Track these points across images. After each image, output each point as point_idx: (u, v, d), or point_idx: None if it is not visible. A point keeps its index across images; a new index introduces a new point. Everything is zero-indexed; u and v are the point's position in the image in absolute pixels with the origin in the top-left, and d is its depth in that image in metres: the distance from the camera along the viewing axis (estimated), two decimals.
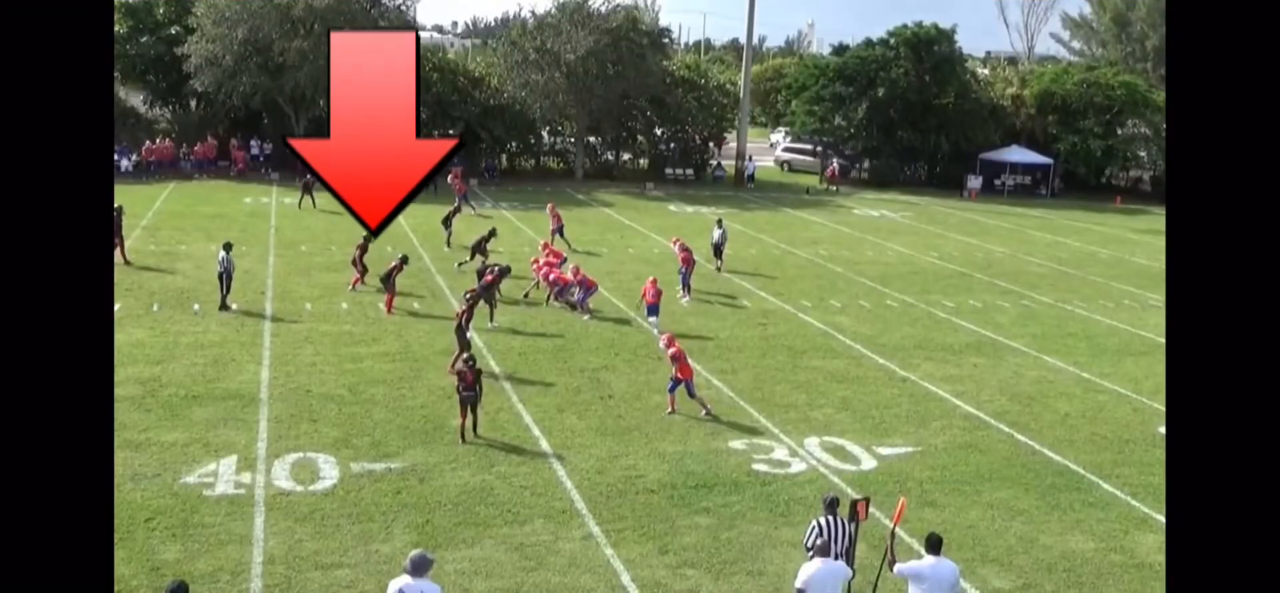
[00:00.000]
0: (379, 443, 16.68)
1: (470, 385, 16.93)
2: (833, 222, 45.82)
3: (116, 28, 51.35)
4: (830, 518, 11.56)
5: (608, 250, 35.00)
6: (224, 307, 24.30)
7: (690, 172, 59.70)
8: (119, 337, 21.04)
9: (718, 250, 32.85)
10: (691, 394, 18.67)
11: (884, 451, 17.59)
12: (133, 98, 55.18)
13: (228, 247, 25.22)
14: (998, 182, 59.36)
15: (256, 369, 20.14)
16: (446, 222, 34.12)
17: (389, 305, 24.93)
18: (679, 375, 18.70)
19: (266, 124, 54.09)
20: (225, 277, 24.62)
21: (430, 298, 26.67)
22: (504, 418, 18.13)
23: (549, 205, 37.12)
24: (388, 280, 25.22)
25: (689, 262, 28.47)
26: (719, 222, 34.20)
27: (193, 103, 54.75)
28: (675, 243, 30.38)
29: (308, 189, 39.84)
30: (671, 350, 18.97)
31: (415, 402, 18.62)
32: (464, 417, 16.99)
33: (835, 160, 60.82)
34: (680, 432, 17.91)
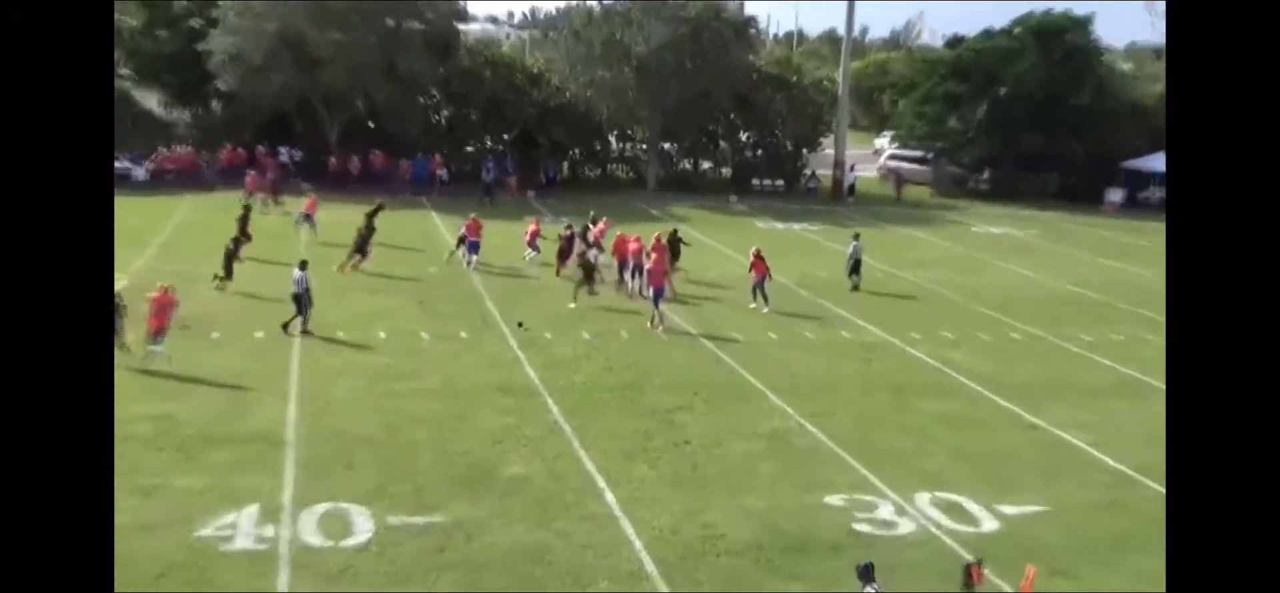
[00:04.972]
0: (420, 493, 16.76)
1: None
2: (946, 240, 45.40)
3: (131, 21, 52.44)
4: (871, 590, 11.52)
5: (681, 272, 34.89)
6: (305, 331, 24.64)
7: (780, 182, 59.71)
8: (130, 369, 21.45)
9: (855, 268, 33.75)
10: None
11: (1007, 509, 17.29)
12: (148, 99, 56.13)
13: (304, 265, 25.30)
14: (1143, 194, 58.45)
15: (282, 407, 20.37)
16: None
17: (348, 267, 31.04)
18: None
19: (297, 128, 54.60)
20: (301, 298, 24.79)
21: (481, 326, 26.79)
22: (563, 466, 18.13)
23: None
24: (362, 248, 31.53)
25: (761, 270, 30.04)
26: (856, 235, 35.32)
27: (215, 104, 55.60)
28: (752, 251, 31.34)
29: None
30: None
31: (460, 446, 18.69)
32: None
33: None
34: (767, 484, 17.76)
